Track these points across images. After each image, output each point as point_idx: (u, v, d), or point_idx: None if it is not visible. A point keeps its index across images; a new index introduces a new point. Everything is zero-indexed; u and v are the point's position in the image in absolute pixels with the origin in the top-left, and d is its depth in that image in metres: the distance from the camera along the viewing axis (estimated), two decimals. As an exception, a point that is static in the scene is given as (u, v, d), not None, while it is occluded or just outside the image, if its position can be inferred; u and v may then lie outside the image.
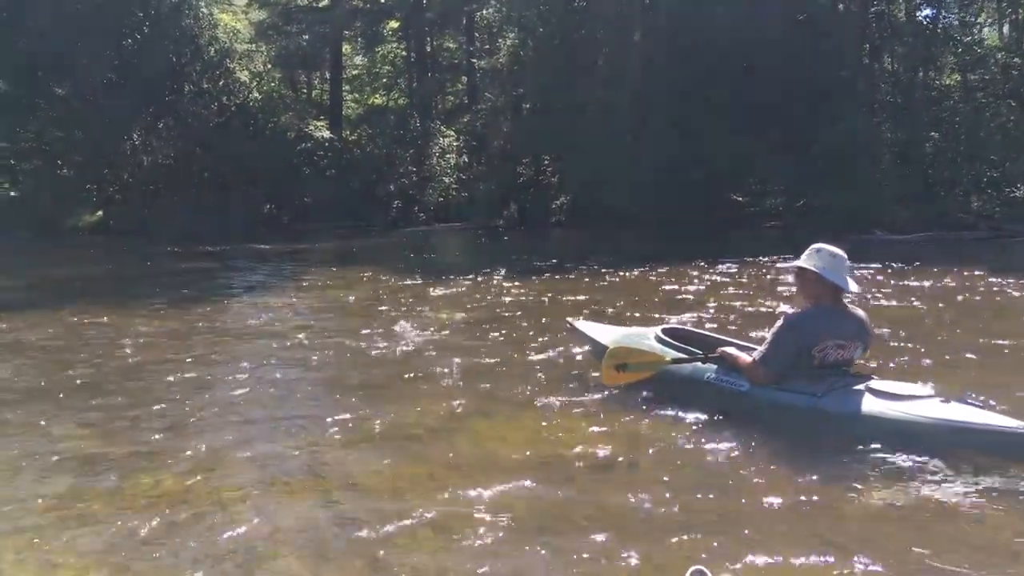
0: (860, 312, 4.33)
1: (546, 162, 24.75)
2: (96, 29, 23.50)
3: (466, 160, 28.27)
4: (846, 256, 4.22)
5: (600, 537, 3.02)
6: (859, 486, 3.46)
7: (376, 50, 36.21)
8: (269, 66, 29.85)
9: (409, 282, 11.30)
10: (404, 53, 35.06)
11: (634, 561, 2.84)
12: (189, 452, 4.05)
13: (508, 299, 9.35)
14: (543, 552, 2.93)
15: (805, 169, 19.70)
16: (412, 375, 5.54)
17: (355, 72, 37.87)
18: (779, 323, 4.22)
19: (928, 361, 5.63)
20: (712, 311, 7.96)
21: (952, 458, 3.62)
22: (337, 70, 32.63)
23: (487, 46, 31.61)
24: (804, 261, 4.23)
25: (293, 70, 33.50)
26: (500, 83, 26.87)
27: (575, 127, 22.25)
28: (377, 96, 37.87)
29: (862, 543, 2.92)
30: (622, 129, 21.28)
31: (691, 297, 9.26)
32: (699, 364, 4.55)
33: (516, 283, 10.79)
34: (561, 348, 6.15)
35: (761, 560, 2.81)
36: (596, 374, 5.05)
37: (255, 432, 4.43)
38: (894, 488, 3.44)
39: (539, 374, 5.48)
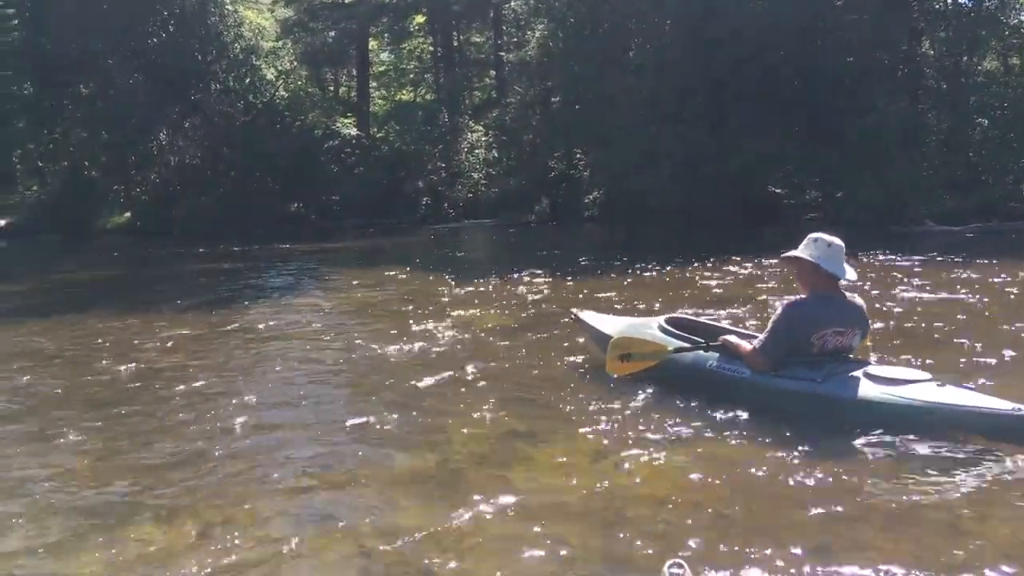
0: (858, 300, 4.44)
1: (578, 155, 24.17)
2: (120, 28, 23.30)
3: (495, 155, 27.79)
4: (843, 245, 4.31)
5: (602, 521, 3.14)
6: (856, 468, 3.55)
7: (402, 46, 35.96)
8: (295, 63, 29.56)
9: (439, 281, 10.90)
10: (431, 48, 34.77)
11: (634, 544, 2.92)
12: (211, 463, 3.95)
13: (540, 298, 8.98)
14: (548, 541, 2.97)
15: (844, 159, 18.97)
16: (442, 379, 5.31)
17: (382, 69, 37.64)
18: (778, 312, 4.34)
19: (978, 359, 5.33)
20: (749, 307, 7.64)
21: (947, 440, 3.73)
22: (364, 66, 32.32)
23: (514, 39, 31.18)
24: (801, 251, 4.33)
25: (319, 67, 33.26)
26: (529, 76, 26.31)
27: (606, 119, 21.67)
28: (404, 92, 37.58)
29: (858, 526, 3.02)
30: (654, 120, 20.65)
31: (727, 292, 8.86)
32: (701, 352, 4.65)
33: (549, 280, 10.47)
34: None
35: (760, 543, 2.87)
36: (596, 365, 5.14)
37: (279, 442, 4.27)
38: (890, 470, 3.54)
39: (569, 376, 5.30)
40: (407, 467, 3.83)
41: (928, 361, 5.10)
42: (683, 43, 20.19)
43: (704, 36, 19.52)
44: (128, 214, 26.10)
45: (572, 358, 5.80)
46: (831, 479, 3.45)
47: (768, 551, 2.82)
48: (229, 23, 25.50)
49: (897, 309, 7.35)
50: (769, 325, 4.37)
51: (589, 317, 5.83)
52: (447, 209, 25.79)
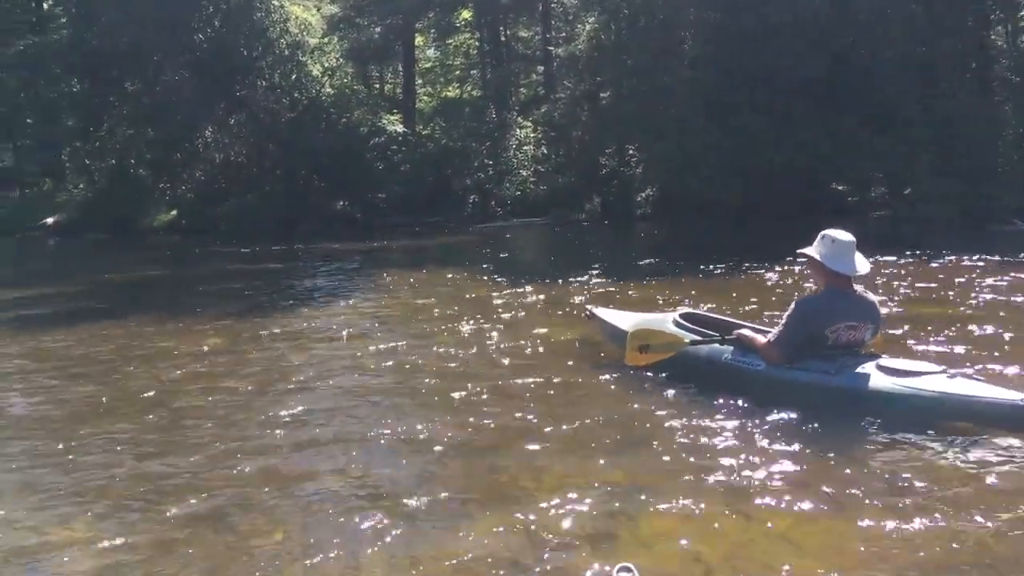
0: (870, 296, 4.57)
1: (630, 151, 23.36)
2: (166, 24, 23.04)
3: (544, 152, 27.09)
4: (853, 240, 4.39)
5: (617, 503, 3.27)
6: (867, 459, 3.65)
7: (448, 42, 35.50)
8: (341, 60, 29.17)
9: (489, 283, 10.35)
10: (477, 44, 34.26)
11: (647, 530, 3.04)
12: (246, 471, 3.84)
13: (596, 302, 8.21)
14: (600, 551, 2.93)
15: (915, 154, 17.95)
16: (489, 389, 5.05)
17: (427, 65, 37.24)
18: (792, 307, 4.48)
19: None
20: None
21: (957, 429, 3.82)
22: (410, 62, 31.85)
23: (563, 33, 30.48)
24: (811, 249, 4.46)
25: (365, 64, 32.91)
26: (578, 71, 25.57)
27: (661, 113, 20.88)
28: (450, 89, 37.09)
29: (871, 513, 3.07)
30: (712, 113, 19.80)
31: (786, 294, 8.11)
32: (716, 346, 4.77)
33: (604, 282, 10.01)
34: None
35: (772, 534, 2.96)
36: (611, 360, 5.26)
37: (316, 455, 4.09)
38: (902, 457, 3.63)
39: (622, 389, 5.01)
40: (457, 482, 3.66)
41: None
42: (742, 32, 19.29)
43: (766, 23, 18.58)
44: (174, 212, 25.94)
45: (628, 373, 5.26)
46: (843, 468, 3.53)
47: (779, 545, 2.88)
48: (275, 19, 25.08)
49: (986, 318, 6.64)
50: (783, 319, 4.49)
51: (604, 313, 5.95)
52: (494, 207, 25.12)
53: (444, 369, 5.70)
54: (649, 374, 5.00)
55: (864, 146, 18.36)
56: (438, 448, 4.05)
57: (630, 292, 9.12)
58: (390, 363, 5.98)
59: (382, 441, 4.21)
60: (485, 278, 10.98)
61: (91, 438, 4.46)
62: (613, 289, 9.40)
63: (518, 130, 27.18)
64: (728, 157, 19.02)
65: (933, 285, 8.78)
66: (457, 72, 37.22)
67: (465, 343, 6.48)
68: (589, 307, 6.27)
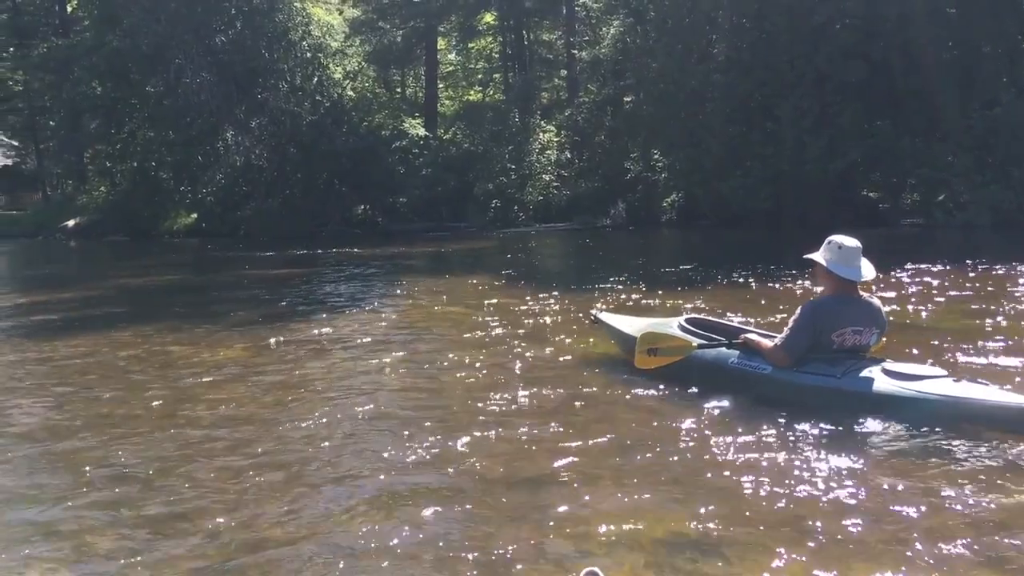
0: (875, 300, 4.57)
1: (656, 156, 22.95)
2: (188, 25, 22.88)
3: (568, 156, 26.73)
4: (859, 245, 4.40)
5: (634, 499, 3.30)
6: (871, 461, 3.67)
7: (470, 45, 35.24)
8: (363, 64, 28.95)
9: (512, 290, 9.97)
10: (499, 49, 33.98)
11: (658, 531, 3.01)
12: (265, 486, 3.64)
13: (618, 309, 7.91)
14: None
15: (954, 160, 17.42)
16: (513, 401, 4.81)
17: (449, 69, 37.01)
18: (799, 311, 4.49)
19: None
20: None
21: (962, 432, 3.83)
22: (432, 65, 31.58)
23: (586, 37, 30.15)
24: (818, 255, 4.48)
25: (387, 68, 32.69)
26: (603, 74, 25.20)
27: (690, 117, 20.47)
28: (471, 92, 36.84)
29: (878, 513, 3.09)
30: (743, 118, 19.37)
31: None
32: (723, 349, 4.81)
33: (628, 288, 9.58)
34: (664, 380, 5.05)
35: (778, 534, 2.94)
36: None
37: (336, 469, 3.85)
38: (905, 461, 3.62)
39: (658, 406, 4.72)
40: (484, 497, 3.44)
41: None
42: (774, 35, 18.85)
43: (803, 25, 18.11)
44: (194, 215, 25.81)
45: (648, 381, 5.05)
46: (846, 471, 3.52)
47: (784, 545, 2.86)
48: (297, 21, 24.89)
49: None
50: (790, 323, 4.50)
51: (610, 318, 5.94)
52: (517, 212, 24.78)
53: (468, 381, 5.42)
54: (664, 384, 4.93)
55: (901, 152, 17.85)
56: (461, 464, 3.83)
57: (656, 300, 8.74)
58: (413, 375, 5.69)
59: (408, 458, 3.92)
60: (509, 285, 10.64)
61: (104, 449, 4.25)
62: (638, 296, 9.02)
63: (541, 134, 26.83)
64: (760, 163, 18.58)
65: (969, 294, 8.38)
66: (479, 76, 36.98)
67: (490, 353, 6.15)
68: (594, 312, 6.25)
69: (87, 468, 3.92)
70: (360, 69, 28.35)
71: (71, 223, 27.50)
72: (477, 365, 5.77)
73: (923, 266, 10.27)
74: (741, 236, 17.59)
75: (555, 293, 9.36)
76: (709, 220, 20.36)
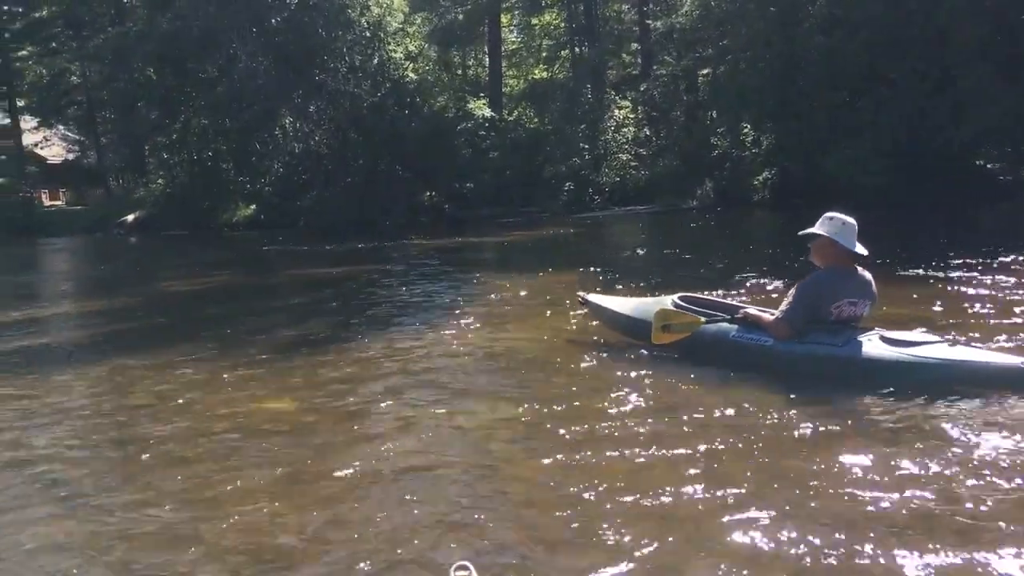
0: (867, 274, 4.69)
1: (746, 130, 20.98)
2: (240, 5, 21.60)
3: (647, 133, 24.88)
4: (856, 223, 4.56)
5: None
6: (875, 423, 3.79)
7: (534, 22, 33.59)
8: (424, 45, 27.49)
9: (597, 284, 8.40)
10: (563, 24, 32.24)
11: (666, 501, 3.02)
12: (314, 515, 3.09)
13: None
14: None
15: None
16: (597, 421, 4.02)
17: (513, 47, 35.45)
18: (799, 285, 4.66)
19: None
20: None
21: (959, 392, 4.00)
22: (496, 42, 29.98)
23: (658, 7, 28.21)
24: (819, 228, 4.60)
25: (448, 47, 31.27)
26: (684, 43, 23.27)
27: (786, 85, 18.47)
28: (536, 70, 35.16)
29: (882, 475, 3.14)
30: (850, 85, 17.32)
31: (997, 304, 6.27)
32: (723, 325, 4.90)
33: (725, 276, 8.32)
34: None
35: (783, 499, 2.97)
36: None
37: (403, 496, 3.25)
38: (909, 421, 3.74)
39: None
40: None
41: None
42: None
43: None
44: (253, 207, 24.77)
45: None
46: (852, 434, 3.62)
47: (790, 508, 2.89)
48: (356, -1, 23.44)
49: None
50: (791, 296, 4.64)
51: (598, 299, 6.00)
52: (591, 195, 23.07)
53: (548, 397, 4.47)
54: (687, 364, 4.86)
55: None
56: (533, 488, 3.34)
57: (757, 288, 7.50)
58: (486, 399, 4.64)
59: (478, 487, 3.36)
60: (590, 277, 9.24)
61: (143, 476, 3.71)
62: (747, 288, 7.54)
63: (617, 111, 25.04)
64: (872, 133, 16.53)
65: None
66: (543, 54, 35.29)
67: (579, 371, 5.10)
68: (580, 294, 6.20)
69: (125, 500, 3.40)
70: (421, 50, 26.88)
71: (129, 218, 26.77)
72: (564, 382, 4.81)
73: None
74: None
75: (641, 283, 8.01)
76: (809, 199, 18.37)
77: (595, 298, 5.98)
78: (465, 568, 2.60)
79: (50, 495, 3.57)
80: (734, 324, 4.85)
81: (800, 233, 4.70)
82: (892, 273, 7.98)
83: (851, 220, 4.56)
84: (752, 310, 4.89)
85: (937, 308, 6.24)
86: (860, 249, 4.57)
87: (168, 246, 21.02)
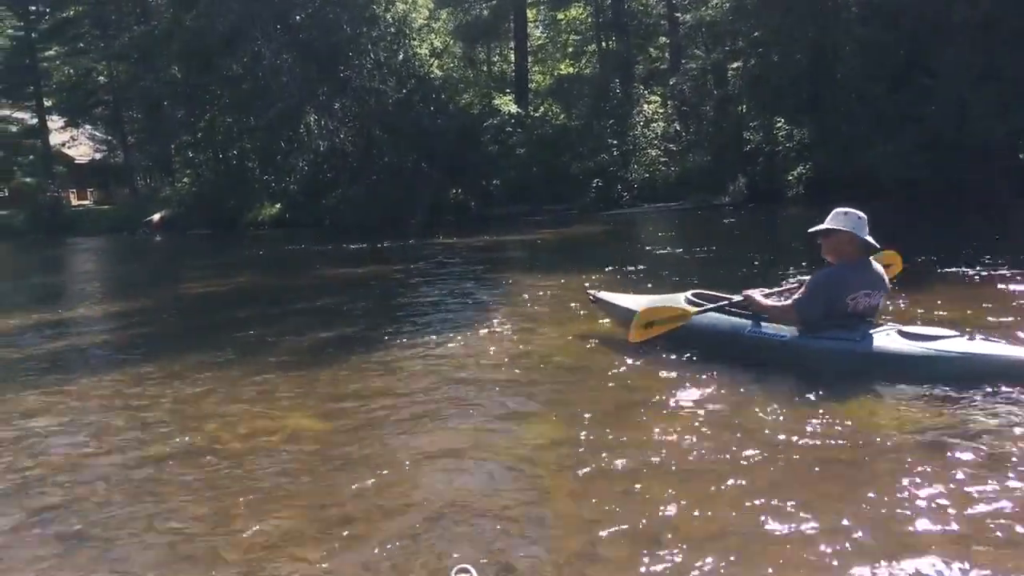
0: (879, 266, 4.74)
1: (779, 124, 20.45)
2: (264, 2, 21.37)
3: (676, 128, 24.38)
4: (866, 217, 4.57)
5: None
6: (898, 414, 3.79)
7: (560, 17, 33.18)
8: (449, 41, 27.15)
9: (632, 287, 7.86)
10: (590, 18, 31.77)
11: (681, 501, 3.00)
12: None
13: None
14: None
15: None
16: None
17: (538, 42, 35.04)
18: (817, 275, 4.66)
19: None
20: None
21: (978, 385, 3.97)
22: (522, 37, 29.58)
23: (686, 0, 27.70)
24: (833, 223, 4.58)
25: (474, 43, 30.93)
26: (715, 35, 22.76)
27: (821, 78, 17.95)
28: (563, 66, 34.72)
29: (903, 470, 3.16)
30: (887, 75, 16.76)
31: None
32: (738, 320, 4.88)
33: (765, 275, 7.74)
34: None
35: (805, 494, 3.00)
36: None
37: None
38: (930, 415, 3.74)
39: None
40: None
41: None
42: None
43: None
44: (278, 205, 24.60)
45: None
46: (870, 428, 3.62)
47: (815, 502, 2.92)
48: (381, -6, 23.15)
49: None
50: (807, 286, 4.64)
51: (610, 296, 6.00)
52: (620, 192, 22.62)
53: (583, 407, 4.28)
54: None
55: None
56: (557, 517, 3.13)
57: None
58: (520, 416, 4.29)
59: (515, 527, 3.02)
60: (623, 276, 8.88)
61: (158, 490, 3.61)
62: (781, 280, 7.00)
63: (646, 106, 24.57)
64: (914, 126, 15.98)
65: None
66: (569, 49, 34.82)
67: (618, 376, 4.84)
68: (591, 292, 6.18)
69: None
70: (447, 47, 26.54)
71: (155, 217, 26.75)
72: (596, 387, 4.66)
73: None
74: (888, 213, 14.95)
75: (678, 282, 7.60)
76: (845, 195, 17.82)
77: (606, 295, 6.00)
78: (466, 572, 2.60)
79: (61, 508, 3.43)
80: (735, 309, 4.90)
81: (811, 230, 4.67)
82: (931, 271, 7.65)
83: (863, 215, 4.58)
84: (755, 293, 4.88)
85: (978, 308, 5.88)
86: (873, 242, 4.65)
87: (194, 246, 20.92)
